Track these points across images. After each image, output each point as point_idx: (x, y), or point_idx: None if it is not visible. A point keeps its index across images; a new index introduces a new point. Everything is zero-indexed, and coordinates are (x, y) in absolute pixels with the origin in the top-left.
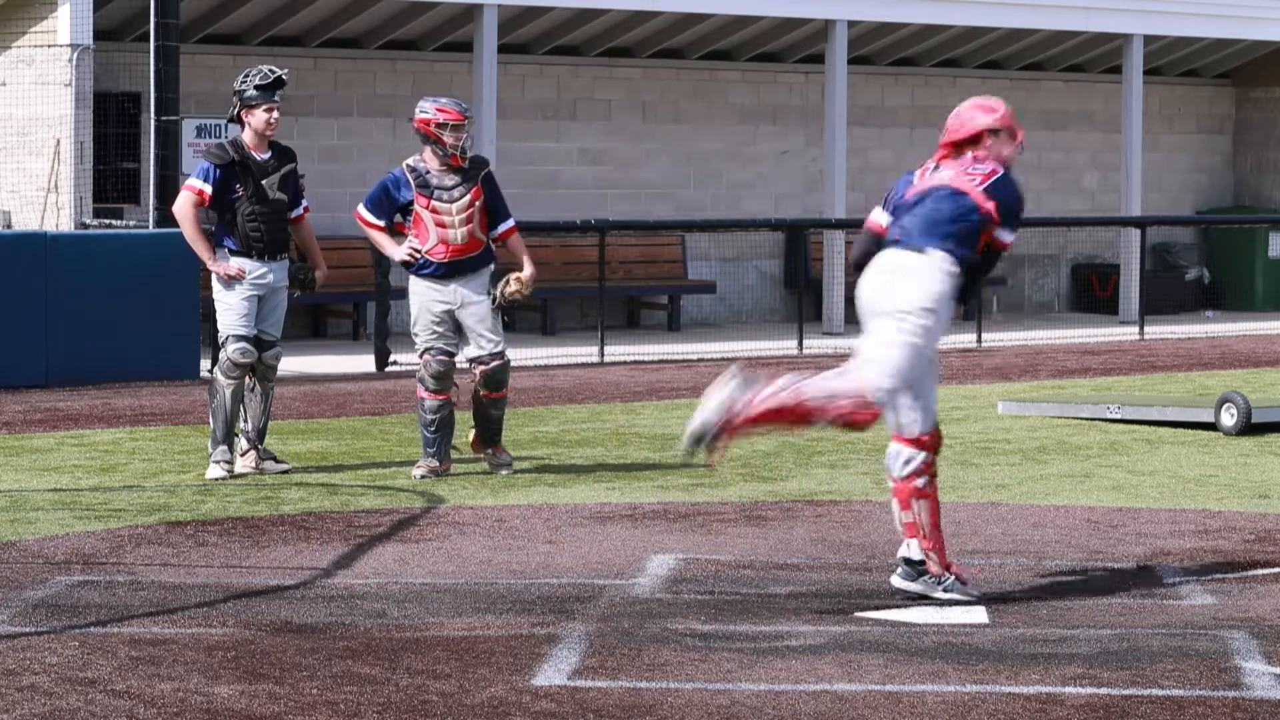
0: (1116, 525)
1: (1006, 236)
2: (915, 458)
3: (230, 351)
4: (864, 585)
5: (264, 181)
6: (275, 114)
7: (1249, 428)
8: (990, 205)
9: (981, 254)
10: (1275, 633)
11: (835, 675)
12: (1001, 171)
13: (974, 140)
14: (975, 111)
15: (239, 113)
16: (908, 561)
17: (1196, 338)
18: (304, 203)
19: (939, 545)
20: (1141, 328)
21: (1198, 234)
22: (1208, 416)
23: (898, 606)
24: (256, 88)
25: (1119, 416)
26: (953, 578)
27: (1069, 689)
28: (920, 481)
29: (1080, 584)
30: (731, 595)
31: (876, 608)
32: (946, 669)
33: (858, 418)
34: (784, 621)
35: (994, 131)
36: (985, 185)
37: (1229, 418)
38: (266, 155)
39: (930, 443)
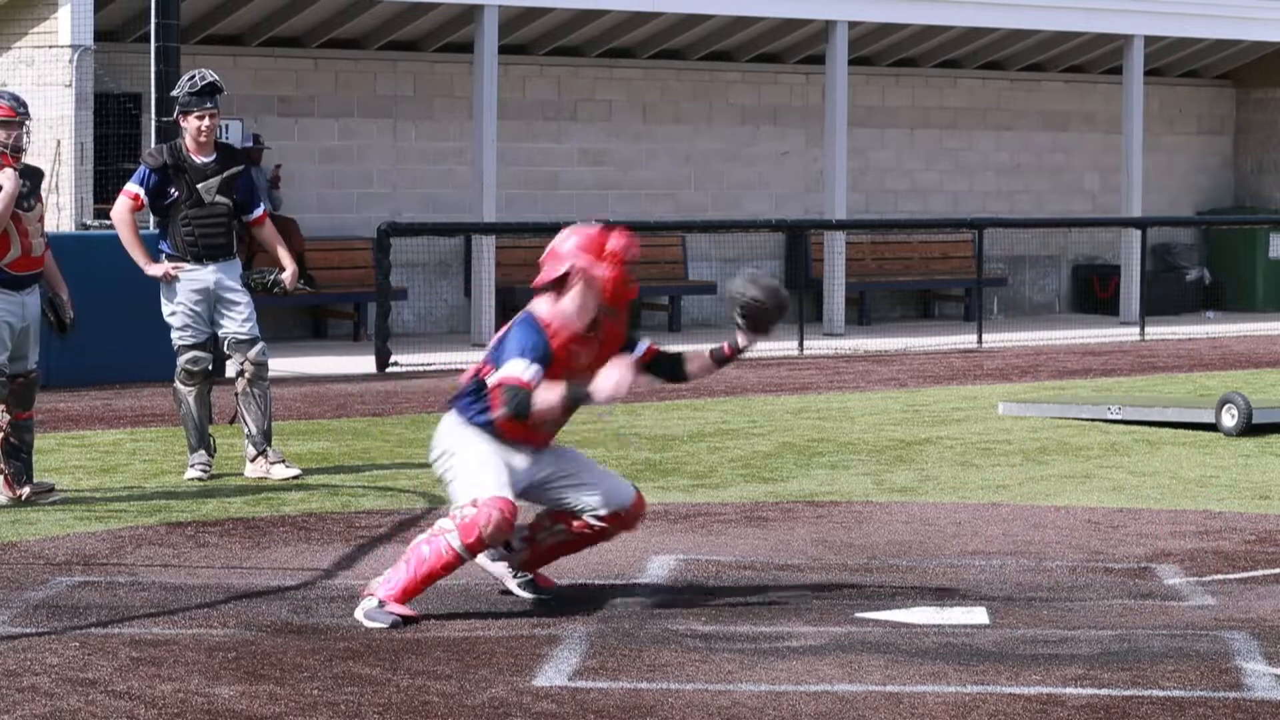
0: (1117, 526)
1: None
2: (597, 521)
3: (181, 361)
4: (864, 586)
5: (200, 185)
6: (208, 120)
7: (1250, 428)
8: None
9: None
10: (1276, 633)
11: (836, 676)
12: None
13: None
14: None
15: (177, 118)
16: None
17: (1197, 338)
18: (263, 205)
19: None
20: (1142, 328)
21: (1198, 235)
22: (1208, 417)
23: (898, 607)
24: (189, 94)
25: (1119, 417)
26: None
27: (1070, 690)
28: (592, 524)
29: (1081, 585)
30: (732, 596)
31: (877, 608)
32: (947, 670)
33: (476, 522)
34: (784, 622)
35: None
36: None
37: (1230, 418)
38: (209, 159)
39: (624, 516)
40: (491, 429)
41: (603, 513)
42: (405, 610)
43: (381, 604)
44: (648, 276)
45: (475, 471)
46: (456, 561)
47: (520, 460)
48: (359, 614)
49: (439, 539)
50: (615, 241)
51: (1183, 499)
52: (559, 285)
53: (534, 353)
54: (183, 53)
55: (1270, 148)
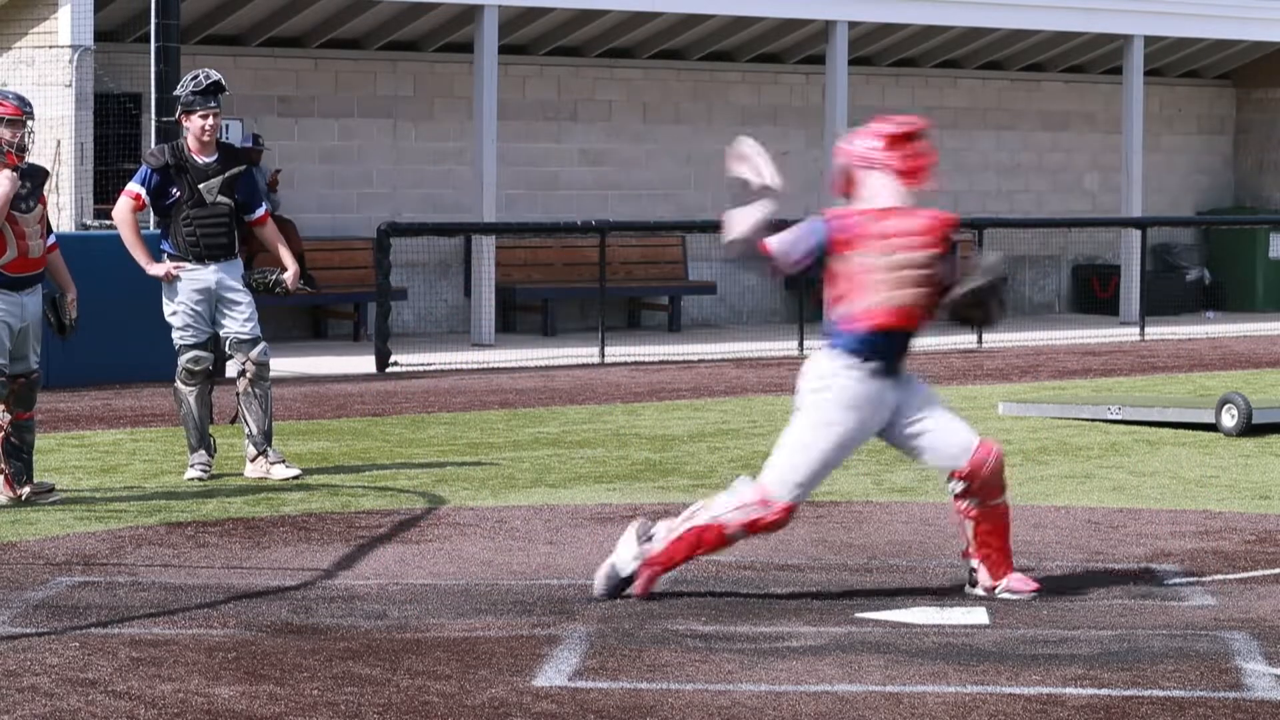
0: (1117, 526)
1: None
2: (957, 484)
3: (182, 361)
4: (864, 586)
5: (201, 185)
6: (211, 120)
7: (1249, 428)
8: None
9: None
10: (1276, 634)
11: (836, 676)
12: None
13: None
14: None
15: (179, 117)
16: (970, 568)
17: (1197, 338)
18: (264, 205)
19: (989, 558)
20: (1142, 328)
21: (1198, 235)
22: (1208, 417)
23: (898, 607)
24: (193, 93)
25: (1120, 417)
26: (1005, 582)
27: (1070, 690)
28: (963, 504)
29: (1081, 585)
30: (732, 596)
31: (877, 608)
32: (947, 670)
33: (764, 522)
34: (784, 622)
35: (852, 165)
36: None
37: (1229, 418)
38: (211, 159)
39: (967, 473)
40: (857, 352)
41: (959, 469)
42: (647, 578)
43: (640, 569)
44: (647, 277)
45: (799, 454)
46: (727, 545)
47: (869, 420)
48: (613, 567)
49: (724, 519)
50: (889, 121)
51: (1183, 499)
52: (847, 183)
53: (810, 225)
54: (183, 53)
55: (1270, 148)
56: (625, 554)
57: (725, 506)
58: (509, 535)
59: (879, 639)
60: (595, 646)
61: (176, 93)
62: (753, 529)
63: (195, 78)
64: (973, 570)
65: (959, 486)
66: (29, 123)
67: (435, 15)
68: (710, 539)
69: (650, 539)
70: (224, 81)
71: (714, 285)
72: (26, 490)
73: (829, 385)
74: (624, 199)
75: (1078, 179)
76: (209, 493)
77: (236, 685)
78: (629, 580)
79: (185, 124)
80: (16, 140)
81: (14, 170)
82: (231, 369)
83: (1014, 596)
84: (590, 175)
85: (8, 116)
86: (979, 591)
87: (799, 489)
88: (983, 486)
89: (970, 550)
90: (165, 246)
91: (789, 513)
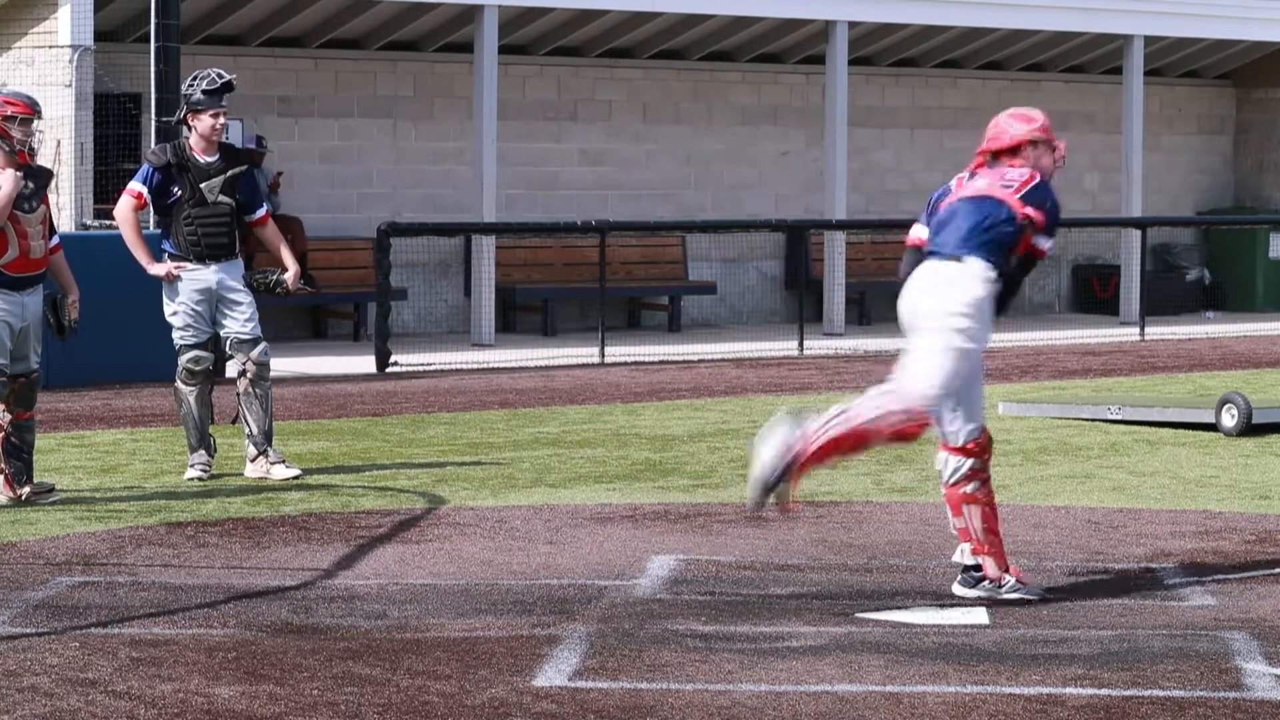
0: (1117, 526)
1: (1044, 244)
2: (962, 465)
3: (182, 361)
4: (864, 586)
5: (203, 185)
6: (221, 119)
7: (1249, 428)
8: (1028, 210)
9: (1018, 261)
10: (1276, 634)
11: (836, 676)
12: (1038, 179)
13: (1012, 150)
14: (1013, 121)
15: (185, 116)
16: (965, 568)
17: (1197, 338)
18: (265, 206)
19: (994, 549)
20: (1142, 328)
21: (1198, 235)
22: (1208, 417)
23: (898, 607)
24: (204, 92)
25: (1120, 417)
26: (1012, 579)
27: (1070, 690)
28: (969, 487)
29: (1081, 585)
30: (732, 596)
31: (877, 608)
32: (947, 670)
33: (908, 430)
34: (784, 622)
35: (1033, 142)
36: (1022, 192)
37: (1229, 418)
38: (213, 158)
39: (976, 449)
40: (996, 284)
41: (969, 441)
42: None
43: (790, 470)
44: (648, 277)
45: (947, 373)
46: (867, 450)
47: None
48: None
49: (876, 425)
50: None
51: (1183, 499)
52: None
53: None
54: (183, 53)
55: (1270, 148)
56: (771, 458)
57: (873, 414)
58: (509, 535)
59: (879, 639)
60: (595, 646)
61: (185, 91)
62: (898, 438)
63: (207, 77)
64: (972, 569)
65: (965, 466)
66: (36, 123)
67: (435, 15)
68: (856, 443)
69: (799, 435)
70: (234, 82)
71: (714, 285)
72: (26, 490)
73: (980, 303)
74: (624, 199)
75: (1078, 179)
76: (209, 493)
77: (236, 685)
78: (777, 483)
79: (192, 123)
80: (29, 140)
81: (20, 169)
82: (232, 369)
83: (1026, 595)
84: (590, 175)
85: (20, 115)
86: (980, 591)
87: (927, 397)
88: (987, 462)
89: (974, 545)
90: (166, 246)
91: (925, 427)
